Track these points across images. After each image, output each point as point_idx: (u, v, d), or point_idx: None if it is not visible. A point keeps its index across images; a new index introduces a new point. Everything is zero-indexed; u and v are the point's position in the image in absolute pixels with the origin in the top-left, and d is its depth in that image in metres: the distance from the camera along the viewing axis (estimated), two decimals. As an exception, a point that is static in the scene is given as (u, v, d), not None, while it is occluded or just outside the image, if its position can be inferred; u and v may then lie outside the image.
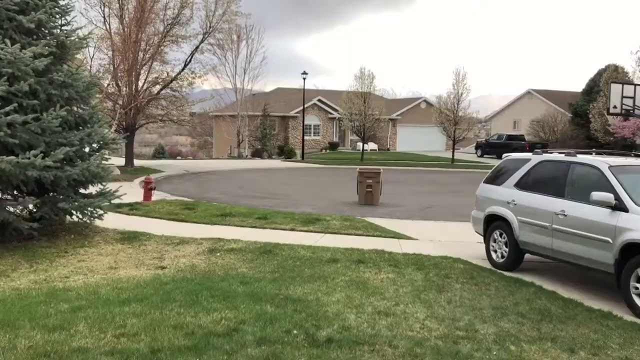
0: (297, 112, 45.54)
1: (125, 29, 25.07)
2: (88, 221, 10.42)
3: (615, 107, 20.11)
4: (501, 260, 8.62)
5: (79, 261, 8.48)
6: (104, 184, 10.56)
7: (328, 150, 47.80)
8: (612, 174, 7.18)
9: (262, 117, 44.95)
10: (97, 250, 9.22)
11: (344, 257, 8.82)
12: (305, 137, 42.55)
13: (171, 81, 27.68)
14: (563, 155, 8.27)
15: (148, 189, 15.27)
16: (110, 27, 25.69)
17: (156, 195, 15.77)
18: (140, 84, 26.21)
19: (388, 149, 51.04)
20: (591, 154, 8.46)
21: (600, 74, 39.13)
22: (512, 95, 56.90)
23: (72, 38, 10.22)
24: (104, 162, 10.42)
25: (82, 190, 10.32)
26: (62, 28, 10.21)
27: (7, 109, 8.53)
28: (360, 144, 40.69)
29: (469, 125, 37.70)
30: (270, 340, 5.10)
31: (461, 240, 10.50)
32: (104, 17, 25.60)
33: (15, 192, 9.47)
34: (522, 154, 9.58)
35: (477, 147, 46.66)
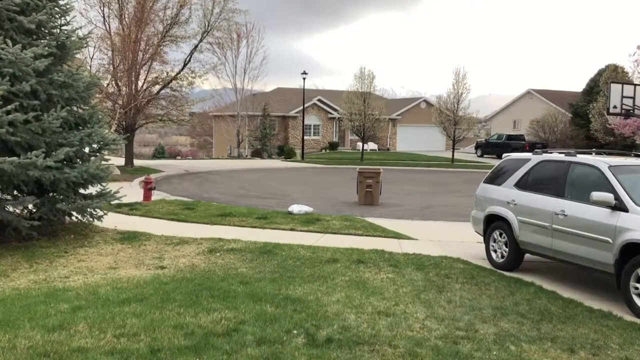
0: (297, 112, 45.53)
1: (125, 29, 25.10)
2: (87, 222, 10.43)
3: (615, 107, 20.11)
4: (501, 260, 8.62)
5: (78, 261, 8.49)
6: (103, 184, 10.56)
7: (328, 150, 47.79)
8: (612, 174, 7.18)
9: (262, 117, 44.95)
10: (97, 250, 9.23)
11: (344, 257, 8.82)
12: (305, 137, 42.56)
13: (171, 81, 27.70)
14: (563, 155, 8.26)
15: (148, 189, 15.27)
16: (110, 27, 25.75)
17: (156, 195, 15.78)
18: (140, 83, 26.25)
19: (388, 149, 51.04)
20: (591, 154, 8.46)
21: (600, 74, 39.17)
22: (512, 95, 56.92)
23: (72, 38, 10.23)
24: (103, 162, 10.43)
25: (81, 191, 10.32)
26: (62, 28, 10.21)
27: (9, 107, 8.55)
28: (360, 144, 40.67)
29: (469, 125, 37.66)
30: (270, 340, 5.10)
31: (461, 240, 10.50)
32: (104, 17, 25.68)
33: (15, 192, 9.47)
34: (522, 154, 9.57)
35: (477, 147, 46.66)
